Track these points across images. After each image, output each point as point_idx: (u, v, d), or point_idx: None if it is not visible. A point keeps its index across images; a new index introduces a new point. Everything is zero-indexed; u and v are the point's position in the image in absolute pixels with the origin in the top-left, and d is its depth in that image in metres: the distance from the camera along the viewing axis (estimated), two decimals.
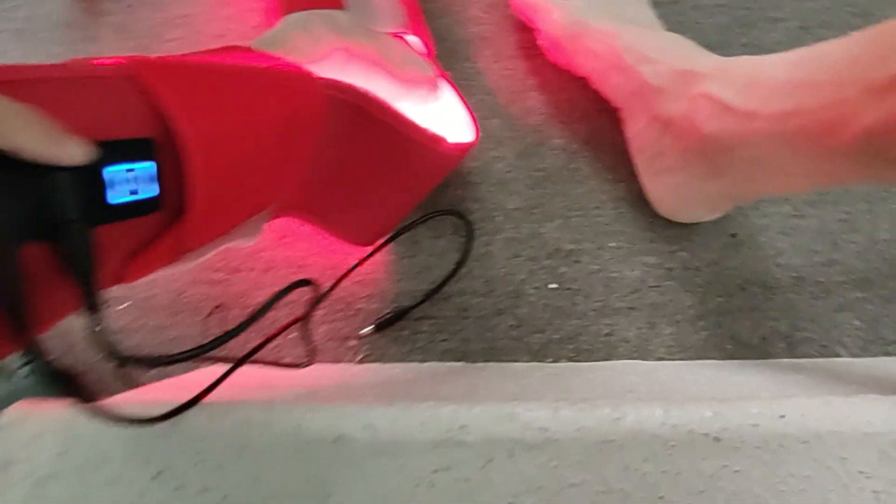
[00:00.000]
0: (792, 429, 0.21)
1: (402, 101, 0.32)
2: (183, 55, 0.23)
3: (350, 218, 0.36)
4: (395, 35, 0.36)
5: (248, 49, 0.26)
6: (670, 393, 0.29)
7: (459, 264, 0.40)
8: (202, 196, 0.20)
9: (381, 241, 0.39)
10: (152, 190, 0.19)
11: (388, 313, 0.40)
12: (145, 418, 0.21)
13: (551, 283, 0.40)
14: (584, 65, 0.37)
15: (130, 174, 0.18)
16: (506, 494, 0.22)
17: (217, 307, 0.42)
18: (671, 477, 0.21)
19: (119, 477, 0.23)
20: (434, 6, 0.43)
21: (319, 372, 0.37)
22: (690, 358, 0.39)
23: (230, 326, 0.37)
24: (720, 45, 0.41)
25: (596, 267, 0.40)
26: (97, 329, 0.18)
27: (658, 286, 0.40)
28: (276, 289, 0.42)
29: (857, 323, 0.38)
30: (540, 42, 0.39)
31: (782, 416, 0.21)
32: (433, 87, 0.35)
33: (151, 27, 0.45)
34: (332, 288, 0.40)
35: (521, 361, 0.40)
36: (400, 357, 0.40)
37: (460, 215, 0.40)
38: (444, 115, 0.37)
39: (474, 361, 0.40)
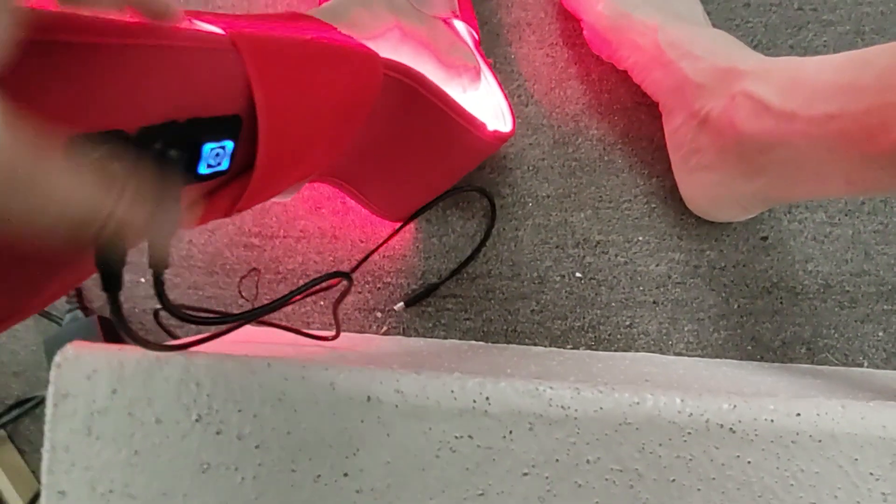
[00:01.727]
0: (806, 427, 0.22)
1: (446, 85, 0.33)
2: (269, 24, 0.23)
3: (385, 191, 0.37)
4: (444, 20, 0.37)
5: (317, 20, 0.27)
6: (687, 385, 0.29)
7: (483, 241, 0.41)
8: (266, 166, 0.21)
9: (410, 216, 0.40)
10: (225, 164, 0.20)
11: (417, 290, 0.41)
12: (164, 344, 0.23)
13: (577, 271, 0.41)
14: (626, 57, 0.37)
15: (219, 150, 0.19)
16: (523, 464, 0.23)
17: (251, 271, 0.43)
18: (684, 462, 0.22)
19: (164, 417, 0.24)
20: None
21: (347, 340, 0.38)
22: (709, 356, 0.40)
23: (262, 290, 0.39)
24: (767, 44, 0.41)
25: (622, 259, 0.41)
26: (161, 279, 0.19)
27: (683, 283, 0.40)
28: (309, 256, 0.43)
29: (881, 334, 0.38)
30: (585, 33, 0.40)
31: (798, 414, 0.22)
32: (475, 76, 0.36)
33: None
34: (362, 262, 0.41)
35: (541, 346, 0.41)
36: (424, 332, 0.42)
37: (484, 192, 0.41)
38: (483, 104, 0.37)
39: (495, 342, 0.41)
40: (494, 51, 0.43)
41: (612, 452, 0.23)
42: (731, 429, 0.22)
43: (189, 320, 0.23)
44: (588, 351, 0.40)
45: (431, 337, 0.42)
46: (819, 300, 0.39)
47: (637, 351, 0.40)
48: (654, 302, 0.40)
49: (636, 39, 0.36)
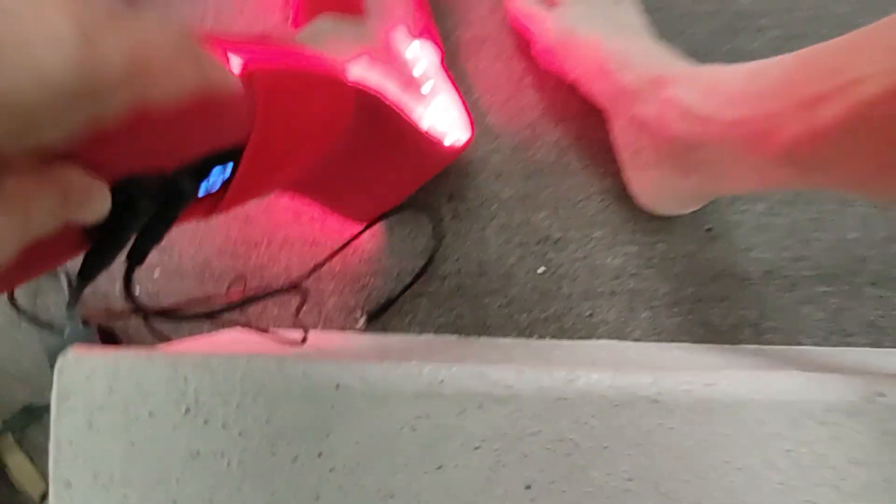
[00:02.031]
0: (719, 395, 0.25)
1: (407, 103, 0.36)
2: (276, 52, 0.25)
3: (351, 199, 0.40)
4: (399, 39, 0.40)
5: (304, 47, 0.30)
6: (632, 365, 0.32)
7: (430, 259, 0.44)
8: (244, 185, 0.24)
9: (374, 219, 0.43)
10: (219, 183, 0.23)
11: (377, 306, 0.44)
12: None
13: (540, 267, 0.44)
14: (572, 69, 0.40)
15: (220, 174, 0.22)
16: (475, 439, 0.26)
17: (238, 278, 0.46)
18: (614, 431, 0.25)
19: (157, 410, 0.27)
20: (441, 7, 0.46)
21: (326, 338, 0.41)
22: (664, 340, 0.43)
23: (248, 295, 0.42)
24: (706, 50, 0.44)
25: (581, 254, 0.44)
26: (132, 274, 0.22)
27: (638, 274, 0.43)
28: (292, 262, 0.46)
29: (820, 315, 0.41)
30: (533, 51, 0.43)
31: (711, 384, 0.25)
32: (432, 92, 0.39)
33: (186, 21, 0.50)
34: (329, 259, 0.44)
35: (510, 337, 0.44)
36: (400, 328, 0.45)
37: (433, 213, 0.44)
38: (443, 116, 0.40)
39: (467, 335, 0.44)
40: (456, 65, 0.46)
41: (551, 425, 0.26)
42: (653, 400, 0.25)
43: (158, 315, 0.26)
44: (552, 340, 0.43)
45: (407, 333, 0.45)
46: (762, 285, 0.42)
47: (598, 338, 0.43)
48: (612, 292, 0.43)
49: (580, 53, 0.39)
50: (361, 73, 0.34)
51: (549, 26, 0.41)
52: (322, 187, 0.37)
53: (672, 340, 0.43)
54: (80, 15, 0.12)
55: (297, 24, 0.40)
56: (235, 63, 0.22)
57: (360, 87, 0.31)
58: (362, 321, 0.43)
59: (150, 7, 0.51)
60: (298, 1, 0.39)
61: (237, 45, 0.23)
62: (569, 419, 0.26)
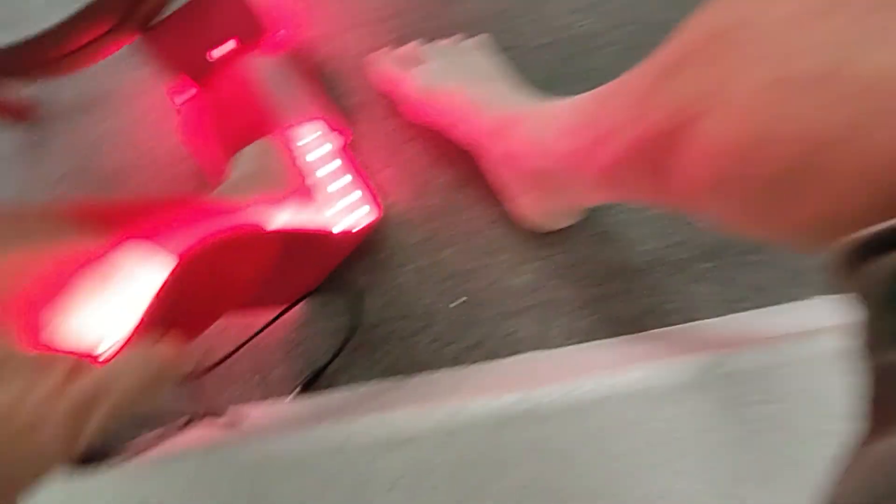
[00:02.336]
0: (587, 395, 0.29)
1: (323, 219, 0.41)
2: (196, 228, 0.28)
3: (269, 299, 0.43)
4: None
5: (231, 205, 0.33)
6: (536, 377, 0.36)
7: (349, 334, 0.47)
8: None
9: (296, 300, 0.47)
10: None
11: (306, 376, 0.47)
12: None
13: (457, 299, 0.48)
14: (439, 120, 0.44)
15: None
16: (389, 481, 0.29)
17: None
18: (503, 447, 0.29)
19: None
20: (324, 82, 0.51)
21: (269, 410, 0.44)
22: (582, 341, 0.46)
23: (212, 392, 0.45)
24: (559, 75, 0.48)
25: (491, 279, 0.48)
26: None
27: (544, 286, 0.47)
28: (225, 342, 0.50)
29: (709, 290, 0.45)
30: (402, 108, 0.47)
31: (575, 389, 0.29)
32: (342, 189, 0.44)
33: (90, 143, 0.53)
34: (238, 349, 0.47)
35: (443, 369, 0.47)
36: (344, 382, 0.48)
37: (347, 289, 0.47)
38: (353, 210, 0.45)
39: (404, 376, 0.48)
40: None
41: (450, 453, 0.29)
42: (529, 413, 0.29)
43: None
44: (481, 364, 0.47)
45: (349, 384, 0.48)
46: (655, 273, 0.46)
47: (522, 353, 0.47)
48: (527, 308, 0.47)
49: (443, 105, 0.44)
50: (284, 217, 0.38)
51: (410, 86, 0.45)
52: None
53: (589, 340, 0.46)
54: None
55: (212, 164, 0.44)
56: (160, 257, 0.25)
57: (284, 231, 0.35)
58: (292, 395, 0.46)
59: (54, 132, 0.55)
60: (211, 136, 0.44)
61: (160, 230, 0.26)
62: (464, 444, 0.29)
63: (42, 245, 0.20)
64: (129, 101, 0.53)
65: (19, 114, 0.53)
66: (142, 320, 0.23)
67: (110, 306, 0.22)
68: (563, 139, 0.34)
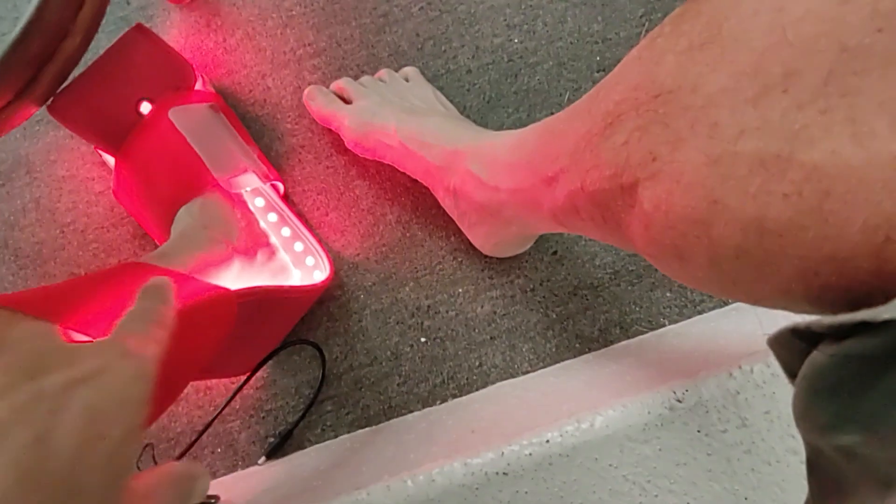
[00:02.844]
0: (555, 448, 0.28)
1: (272, 273, 0.39)
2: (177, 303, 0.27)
3: (230, 362, 0.41)
4: (243, 203, 0.42)
5: (183, 270, 0.31)
6: (505, 420, 0.35)
7: (319, 386, 0.45)
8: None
9: (257, 366, 0.45)
10: None
11: (273, 441, 0.45)
12: None
13: (421, 337, 0.47)
14: (383, 156, 0.43)
15: None
16: None
17: (146, 447, 0.47)
18: None
19: None
20: (253, 130, 0.48)
21: (241, 481, 0.42)
22: (549, 364, 0.46)
23: (161, 460, 0.43)
24: (497, 96, 0.47)
25: (453, 313, 0.47)
26: None
27: (507, 313, 0.46)
28: (193, 414, 0.47)
29: (669, 295, 0.46)
30: (346, 145, 0.45)
31: (547, 441, 0.28)
32: (276, 249, 0.42)
33: (6, 219, 0.50)
34: (221, 411, 0.45)
35: (416, 410, 0.46)
36: (315, 439, 0.46)
37: (308, 342, 0.46)
38: (300, 263, 0.43)
39: (378, 423, 0.46)
40: (283, 177, 0.48)
41: None
42: (504, 473, 0.28)
43: None
44: (453, 401, 0.46)
45: (322, 441, 0.46)
46: (614, 286, 0.46)
47: (492, 383, 0.46)
48: (491, 338, 0.46)
49: (383, 140, 0.42)
50: (234, 275, 0.36)
51: (347, 124, 0.43)
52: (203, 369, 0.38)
53: (556, 362, 0.46)
54: None
55: (150, 227, 0.41)
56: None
57: (242, 291, 0.33)
58: (262, 460, 0.45)
59: None
60: (144, 198, 0.41)
61: (109, 312, 0.24)
62: None
63: None
64: (45, 168, 0.50)
65: None
66: None
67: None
68: (506, 177, 0.33)
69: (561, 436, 0.28)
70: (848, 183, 0.14)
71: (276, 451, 0.46)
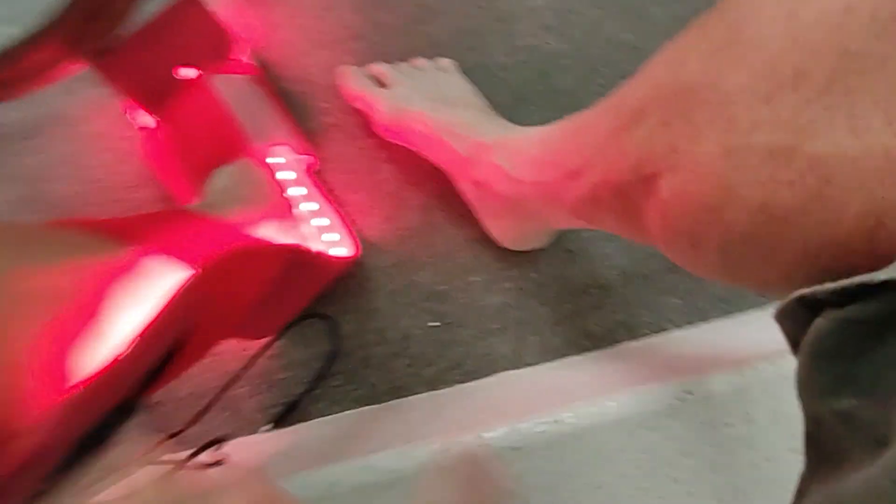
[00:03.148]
0: (567, 428, 0.29)
1: (301, 235, 0.40)
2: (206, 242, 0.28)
3: (253, 323, 0.42)
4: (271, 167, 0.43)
5: (232, 220, 0.32)
6: (514, 403, 0.36)
7: (331, 359, 0.46)
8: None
9: (280, 332, 0.46)
10: None
11: (280, 410, 0.46)
12: None
13: (432, 321, 0.48)
14: (411, 143, 0.44)
15: None
16: None
17: (157, 402, 0.48)
18: (490, 483, 0.29)
19: None
20: (289, 105, 0.49)
21: (247, 445, 0.43)
22: (556, 358, 0.47)
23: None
24: (525, 94, 0.49)
25: (466, 300, 0.48)
26: None
27: (519, 305, 0.48)
28: (204, 376, 0.48)
29: (677, 301, 0.47)
30: (373, 128, 0.46)
31: (557, 421, 0.29)
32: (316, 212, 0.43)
33: (36, 171, 0.50)
34: (241, 374, 0.46)
35: (421, 392, 0.47)
36: (319, 412, 0.47)
37: (323, 316, 0.47)
38: (326, 233, 0.44)
39: (383, 402, 0.47)
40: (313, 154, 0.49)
41: (440, 491, 0.29)
42: (516, 448, 0.29)
43: None
44: (459, 386, 0.47)
45: (328, 414, 0.47)
46: (624, 287, 0.47)
47: (499, 372, 0.47)
48: (501, 328, 0.47)
49: (413, 126, 0.43)
50: (271, 234, 0.37)
51: (380, 107, 0.44)
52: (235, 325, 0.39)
53: (562, 357, 0.47)
54: None
55: (180, 187, 0.42)
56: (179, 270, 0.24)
57: (286, 247, 0.34)
58: (267, 427, 0.45)
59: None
60: (177, 159, 0.42)
61: (173, 243, 0.25)
62: (451, 484, 0.29)
63: (71, 259, 0.19)
64: (80, 124, 0.51)
65: None
66: (150, 329, 0.22)
67: (133, 318, 0.21)
68: (531, 171, 0.34)
69: (574, 417, 0.29)
70: (845, 171, 0.16)
71: (281, 419, 0.46)
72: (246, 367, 0.46)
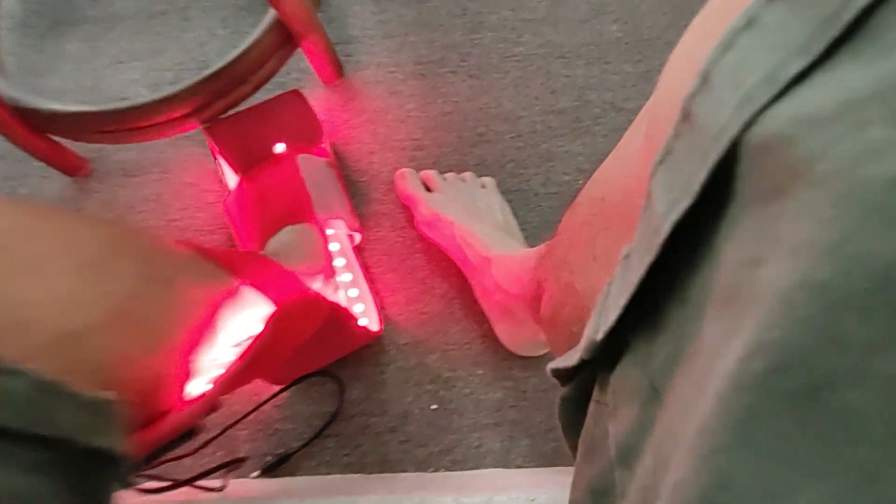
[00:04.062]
0: None
1: (342, 297, 0.46)
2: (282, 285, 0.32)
3: (281, 368, 0.46)
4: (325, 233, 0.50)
5: (295, 275, 0.37)
6: (495, 486, 0.38)
7: (333, 416, 0.49)
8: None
9: (290, 383, 0.49)
10: None
11: (271, 460, 0.48)
12: None
13: (433, 404, 0.50)
14: (441, 242, 0.51)
15: None
16: None
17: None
18: None
19: None
20: (351, 190, 0.58)
21: (241, 485, 0.45)
22: (544, 465, 0.49)
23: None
24: (553, 222, 0.55)
25: (468, 390, 0.51)
26: None
27: (516, 405, 0.50)
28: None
29: None
30: (415, 223, 0.54)
31: (532, 500, 0.31)
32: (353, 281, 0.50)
33: (127, 202, 0.59)
34: (248, 414, 0.48)
35: (409, 471, 0.49)
36: (308, 470, 0.49)
37: (334, 377, 0.51)
38: (361, 303, 0.50)
39: (370, 473, 0.49)
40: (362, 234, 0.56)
41: None
42: None
43: None
44: (446, 473, 0.48)
45: (316, 473, 0.49)
46: None
47: (485, 468, 0.48)
48: (496, 423, 0.50)
49: (443, 229, 0.50)
50: (321, 287, 0.43)
51: (422, 207, 0.52)
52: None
53: (551, 465, 0.48)
54: None
55: (247, 238, 0.49)
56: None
57: (333, 304, 0.40)
58: (256, 474, 0.47)
59: (97, 188, 0.60)
60: (252, 215, 0.49)
61: (263, 281, 0.30)
62: None
63: (206, 283, 0.24)
64: (174, 173, 0.60)
65: (71, 167, 0.59)
66: (242, 358, 0.26)
67: (233, 337, 0.26)
68: (515, 285, 0.40)
69: (548, 497, 0.31)
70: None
71: (271, 469, 0.48)
72: (252, 411, 0.49)
